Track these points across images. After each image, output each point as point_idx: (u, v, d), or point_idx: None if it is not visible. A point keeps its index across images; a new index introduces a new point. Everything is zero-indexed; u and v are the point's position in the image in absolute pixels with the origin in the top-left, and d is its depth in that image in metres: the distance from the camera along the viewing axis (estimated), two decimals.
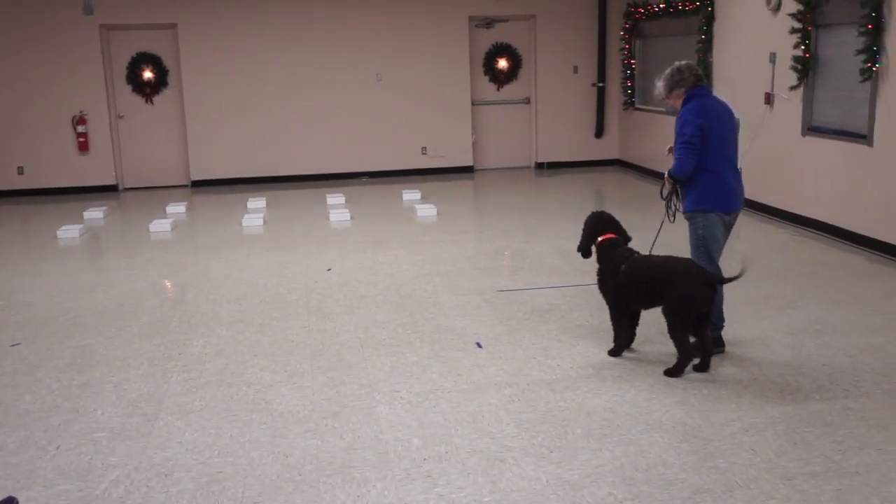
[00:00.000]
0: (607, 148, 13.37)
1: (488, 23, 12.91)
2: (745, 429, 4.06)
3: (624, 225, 5.21)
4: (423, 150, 12.89)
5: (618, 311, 5.03)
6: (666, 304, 4.72)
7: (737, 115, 5.21)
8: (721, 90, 9.48)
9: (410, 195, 10.83)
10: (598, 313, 5.66)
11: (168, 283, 7.28)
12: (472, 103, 13.00)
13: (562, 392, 4.56)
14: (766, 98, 8.84)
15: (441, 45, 12.65)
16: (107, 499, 3.62)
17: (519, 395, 4.54)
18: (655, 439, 3.98)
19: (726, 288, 5.25)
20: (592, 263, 5.18)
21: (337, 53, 12.42)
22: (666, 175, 5.09)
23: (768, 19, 8.73)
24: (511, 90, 13.23)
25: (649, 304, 4.95)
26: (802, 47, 8.18)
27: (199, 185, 12.43)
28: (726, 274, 4.94)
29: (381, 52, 12.51)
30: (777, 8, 8.56)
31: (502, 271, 7.34)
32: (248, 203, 10.68)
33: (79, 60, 11.90)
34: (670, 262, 4.80)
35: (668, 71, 5.08)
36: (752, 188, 8.77)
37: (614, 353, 5.07)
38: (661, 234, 5.36)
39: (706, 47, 9.98)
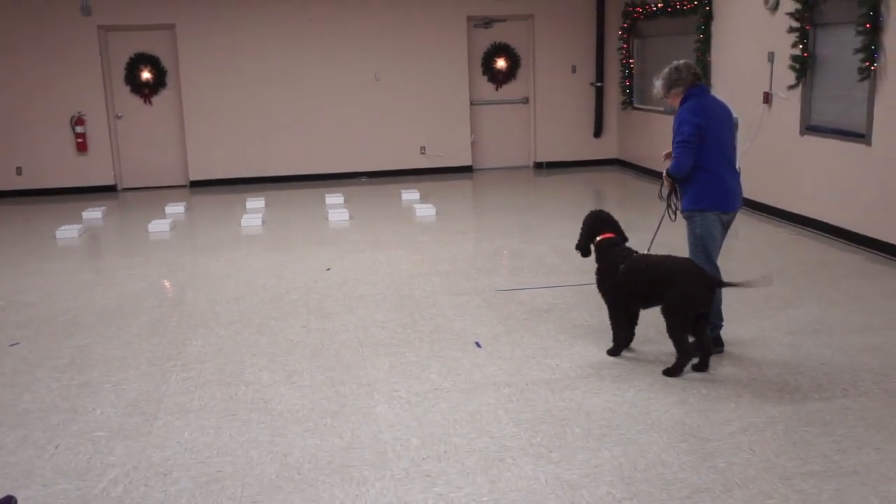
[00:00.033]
0: (606, 147, 13.37)
1: (487, 22, 12.91)
2: (743, 428, 4.06)
3: (623, 224, 5.21)
4: (422, 150, 12.89)
5: (616, 311, 5.03)
6: (665, 303, 4.73)
7: (735, 115, 5.21)
8: (719, 90, 9.48)
9: (409, 195, 10.83)
10: (597, 313, 5.66)
11: (167, 283, 7.28)
12: (471, 103, 13.01)
13: (561, 392, 4.57)
14: (764, 97, 8.85)
15: (440, 44, 12.65)
16: (105, 498, 3.62)
17: (518, 395, 4.54)
18: (654, 439, 3.98)
19: (725, 288, 5.26)
20: (591, 263, 5.18)
21: (335, 53, 12.42)
22: (664, 174, 5.09)
23: (766, 18, 8.74)
24: (510, 90, 13.24)
25: (648, 304, 4.95)
26: (801, 46, 8.18)
27: (197, 185, 12.42)
28: (730, 278, 4.93)
29: (379, 51, 12.51)
30: (775, 7, 8.57)
31: (501, 271, 7.35)
32: (247, 203, 10.68)
33: (77, 61, 11.89)
34: (669, 261, 4.80)
35: (666, 70, 5.08)
36: (751, 188, 8.78)
37: (613, 352, 5.07)
38: (659, 233, 5.36)
39: (704, 47, 9.98)
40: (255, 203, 10.66)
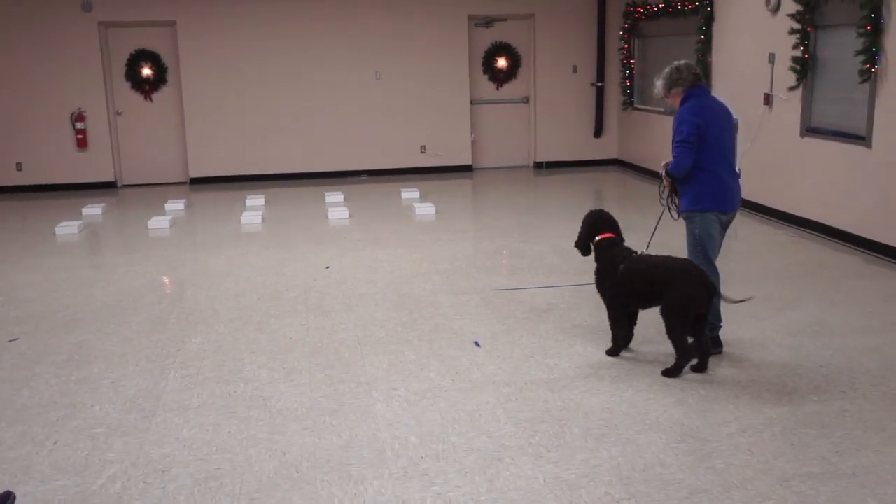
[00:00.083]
0: (606, 147, 13.38)
1: (488, 22, 12.91)
2: (742, 430, 4.07)
3: (622, 224, 5.21)
4: (422, 149, 12.90)
5: (616, 311, 5.04)
6: (664, 304, 4.73)
7: (735, 116, 5.22)
8: (720, 90, 9.48)
9: (409, 194, 10.83)
10: (597, 313, 5.67)
11: (166, 280, 7.28)
12: (471, 102, 13.00)
13: (560, 391, 4.57)
14: (765, 99, 8.85)
15: (440, 43, 12.65)
16: (104, 494, 3.62)
17: (517, 395, 4.54)
18: (653, 439, 3.99)
19: (724, 288, 5.26)
20: (590, 263, 5.18)
21: (336, 52, 12.42)
22: (664, 173, 5.09)
23: (767, 20, 8.74)
24: (510, 89, 13.24)
25: (647, 305, 4.96)
26: (801, 48, 8.19)
27: (197, 182, 12.42)
28: (729, 279, 4.93)
29: (380, 50, 12.51)
30: (776, 8, 8.57)
31: (501, 270, 7.35)
32: (247, 200, 10.68)
33: (78, 57, 11.89)
34: (669, 262, 4.80)
35: (667, 70, 5.09)
36: (751, 189, 8.80)
37: (612, 352, 5.08)
38: (658, 234, 5.36)
39: (705, 47, 9.99)
40: (255, 201, 10.66)
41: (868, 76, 7.23)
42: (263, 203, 10.60)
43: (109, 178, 12.30)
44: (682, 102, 5.03)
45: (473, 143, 13.10)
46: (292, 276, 7.15)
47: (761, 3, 8.80)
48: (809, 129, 8.28)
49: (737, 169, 5.16)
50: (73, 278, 7.28)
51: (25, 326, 5.95)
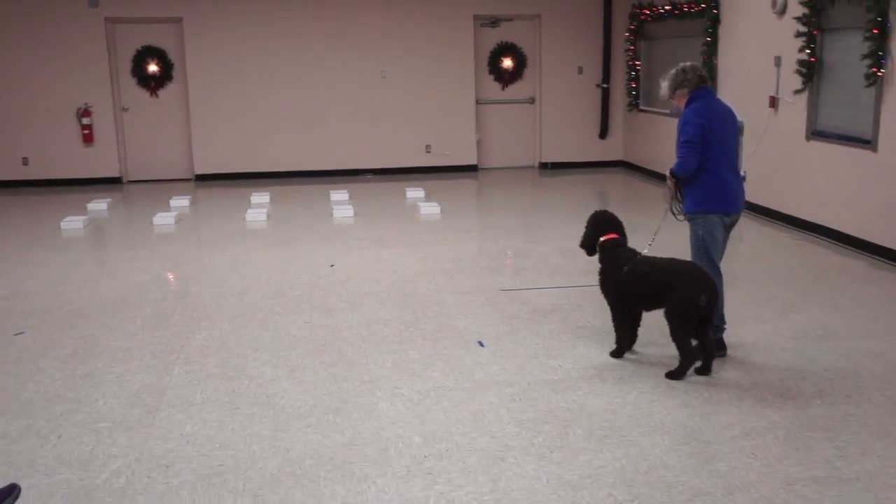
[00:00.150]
0: (611, 149, 13.37)
1: (493, 22, 12.91)
2: (746, 433, 4.06)
3: (627, 226, 5.21)
4: (428, 149, 12.90)
5: (619, 312, 5.03)
6: (668, 306, 4.72)
7: (740, 119, 5.22)
8: (726, 93, 9.47)
9: (414, 193, 10.83)
10: (601, 314, 5.66)
11: (171, 276, 7.29)
12: (477, 102, 13.01)
13: (563, 392, 4.57)
14: (770, 102, 8.84)
15: (446, 43, 12.65)
16: (108, 489, 3.63)
17: (520, 395, 4.54)
18: (656, 441, 3.98)
19: (729, 291, 5.26)
20: (595, 264, 5.18)
21: (342, 50, 12.43)
22: (668, 174, 5.09)
23: (774, 23, 8.73)
24: (515, 90, 13.24)
25: (651, 306, 4.96)
26: (808, 51, 8.18)
27: (202, 178, 12.44)
28: (734, 281, 4.92)
29: (386, 49, 12.52)
30: (783, 11, 8.56)
31: (505, 270, 7.35)
32: (252, 198, 10.69)
33: (84, 53, 11.92)
34: (673, 264, 4.80)
35: (672, 71, 5.09)
36: (756, 192, 8.80)
37: (616, 354, 5.07)
38: (661, 235, 5.35)
39: (711, 50, 9.98)
40: (260, 198, 10.66)
41: (874, 80, 7.22)
42: (268, 200, 10.60)
43: (115, 173, 12.32)
44: (687, 104, 5.03)
45: (478, 143, 13.10)
46: (296, 273, 7.16)
47: (767, 6, 8.79)
48: (815, 133, 8.27)
49: (742, 172, 5.16)
50: (78, 273, 7.29)
51: (30, 320, 5.96)
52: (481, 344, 5.35)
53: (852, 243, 7.67)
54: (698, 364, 4.77)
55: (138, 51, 12.22)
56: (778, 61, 8.69)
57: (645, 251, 5.06)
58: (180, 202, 10.49)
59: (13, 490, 3.44)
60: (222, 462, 3.84)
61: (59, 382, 4.81)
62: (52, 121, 12.00)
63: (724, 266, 5.12)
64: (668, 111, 11.21)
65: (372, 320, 5.86)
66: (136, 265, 7.53)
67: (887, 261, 7.17)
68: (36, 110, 11.93)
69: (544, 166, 13.30)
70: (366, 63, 12.51)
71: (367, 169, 12.78)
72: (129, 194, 11.66)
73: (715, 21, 9.92)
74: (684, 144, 4.89)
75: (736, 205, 5.03)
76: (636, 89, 12.57)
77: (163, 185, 12.09)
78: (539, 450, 3.91)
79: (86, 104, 12.02)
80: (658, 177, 11.24)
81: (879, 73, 7.15)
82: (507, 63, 13.07)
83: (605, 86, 13.06)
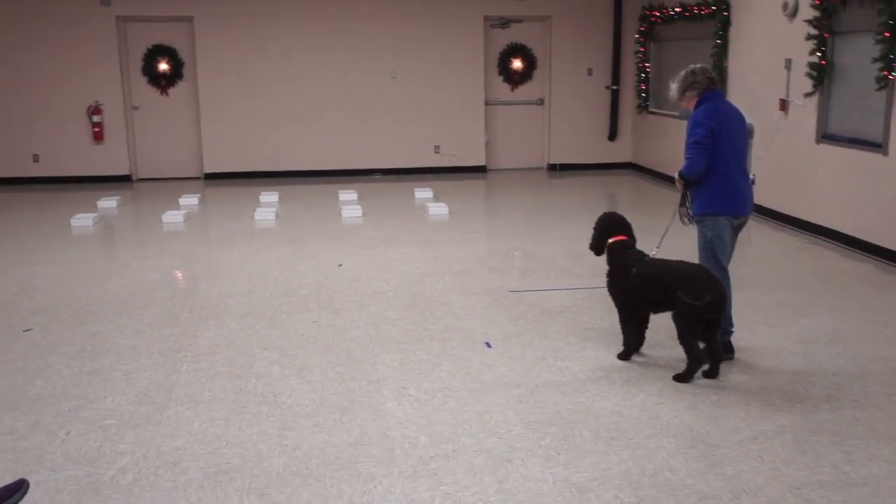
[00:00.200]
0: (620, 151, 13.35)
1: (504, 23, 12.91)
2: (753, 436, 4.05)
3: (635, 229, 5.20)
4: (437, 149, 12.90)
5: (627, 315, 5.03)
6: (676, 309, 4.71)
7: (750, 121, 5.20)
8: (736, 95, 9.45)
9: (423, 194, 10.83)
10: (609, 316, 5.65)
11: (179, 275, 7.31)
12: (486, 103, 13.00)
13: (570, 394, 4.56)
14: (780, 104, 8.81)
15: (456, 44, 12.65)
16: (115, 486, 3.64)
17: (527, 396, 4.54)
18: (663, 444, 3.98)
19: (737, 294, 5.25)
20: (603, 266, 5.17)
21: (352, 50, 12.44)
22: (676, 176, 5.08)
23: (784, 25, 8.71)
24: (525, 91, 13.23)
25: (659, 309, 4.94)
26: (818, 54, 8.15)
27: (212, 177, 12.47)
28: (742, 285, 4.90)
29: (396, 49, 12.53)
30: (793, 14, 8.54)
31: (513, 272, 7.34)
32: (261, 197, 10.71)
33: (95, 51, 11.97)
34: (681, 267, 4.79)
35: (681, 73, 5.09)
36: (766, 195, 8.77)
37: (623, 356, 5.07)
38: (670, 238, 5.34)
39: (721, 52, 9.95)
40: (269, 197, 10.68)
41: (885, 83, 7.19)
42: (277, 200, 10.62)
43: (125, 171, 12.37)
44: (697, 106, 5.03)
45: (487, 144, 13.10)
46: (305, 273, 7.17)
47: (778, 9, 8.76)
48: (825, 136, 8.24)
49: (751, 175, 5.15)
50: (87, 271, 7.32)
51: (39, 317, 5.99)
52: (489, 345, 5.35)
53: (862, 247, 7.64)
54: (706, 367, 4.76)
55: (149, 49, 12.26)
56: (788, 64, 8.66)
57: (653, 253, 5.05)
58: (189, 201, 10.52)
59: (21, 486, 3.45)
60: (229, 460, 3.85)
61: (67, 379, 4.83)
62: (63, 118, 12.05)
63: (733, 270, 5.11)
64: (677, 113, 11.18)
65: (380, 320, 5.87)
66: (145, 263, 7.56)
67: None
68: (47, 108, 11.98)
69: (553, 168, 13.29)
70: (376, 63, 12.52)
71: (375, 169, 12.79)
72: (139, 192, 11.70)
73: (725, 23, 9.89)
74: (693, 146, 4.88)
75: (745, 207, 5.02)
76: (646, 91, 12.55)
77: (172, 184, 12.13)
78: (545, 451, 3.91)
79: (96, 102, 12.06)
80: (667, 179, 11.22)
81: (891, 77, 7.12)
82: (517, 64, 13.07)
83: (614, 87, 13.04)
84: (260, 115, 12.40)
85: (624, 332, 5.06)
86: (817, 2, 8.07)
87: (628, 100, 13.10)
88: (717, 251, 4.97)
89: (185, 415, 4.34)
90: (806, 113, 8.45)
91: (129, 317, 5.98)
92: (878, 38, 7.19)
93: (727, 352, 5.00)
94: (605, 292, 5.21)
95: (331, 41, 12.38)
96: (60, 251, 8.06)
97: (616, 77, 13.00)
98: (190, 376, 4.86)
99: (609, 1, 12.80)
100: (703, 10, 10.42)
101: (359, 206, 9.89)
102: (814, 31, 8.17)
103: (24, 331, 5.70)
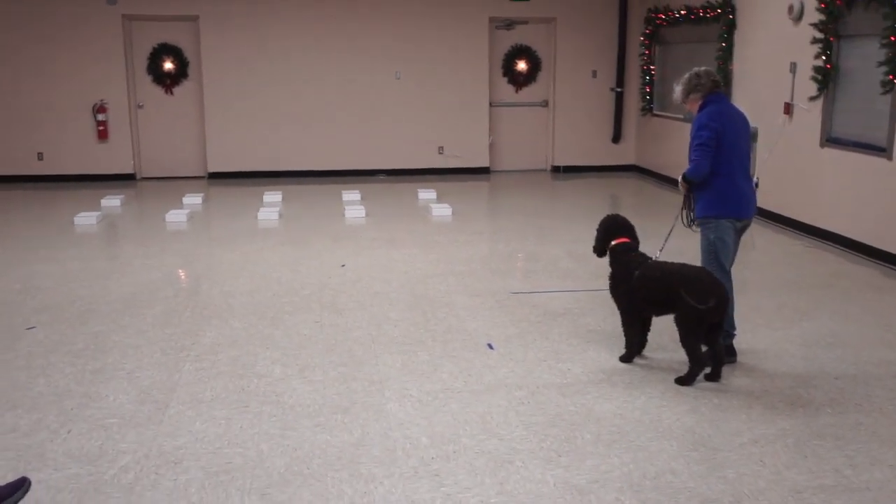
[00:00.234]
0: (624, 153, 13.34)
1: (509, 25, 12.91)
2: (755, 440, 4.05)
3: (638, 231, 5.20)
4: (440, 150, 12.91)
5: (629, 317, 5.02)
6: (678, 312, 4.71)
7: (753, 125, 5.20)
8: (740, 99, 9.45)
9: (426, 194, 10.84)
10: (611, 318, 5.65)
11: (182, 274, 7.32)
12: (490, 104, 13.01)
13: (572, 396, 4.56)
14: (785, 108, 8.80)
15: (461, 45, 12.66)
16: (116, 484, 3.64)
17: (529, 398, 4.54)
18: (664, 447, 3.97)
19: (740, 298, 5.24)
20: (605, 268, 5.17)
21: (357, 51, 12.45)
22: (680, 179, 5.08)
23: (790, 29, 8.70)
24: (529, 92, 13.23)
25: (661, 312, 4.94)
26: (823, 58, 8.14)
27: (215, 176, 12.49)
28: (745, 289, 4.90)
29: (400, 50, 12.53)
30: (799, 17, 8.53)
31: (516, 273, 7.34)
32: (264, 196, 10.72)
33: (101, 49, 11.99)
34: (684, 269, 4.79)
35: (686, 76, 5.09)
36: (769, 199, 8.76)
37: (625, 359, 5.06)
38: (673, 240, 5.33)
39: (726, 55, 9.95)
40: (273, 197, 10.69)
41: (890, 87, 7.17)
42: (280, 199, 10.63)
43: (129, 170, 12.39)
44: (700, 108, 5.03)
45: (491, 145, 13.10)
46: (307, 273, 7.18)
47: (784, 12, 8.75)
48: (830, 140, 8.23)
49: (754, 178, 5.15)
50: (91, 269, 7.33)
51: (42, 315, 6.00)
52: (491, 346, 5.35)
53: (865, 251, 7.63)
54: (708, 370, 4.76)
55: (154, 48, 12.28)
56: (793, 67, 8.65)
57: (656, 256, 5.05)
58: (193, 200, 10.53)
59: (23, 484, 3.46)
60: (230, 460, 3.86)
61: (70, 378, 4.84)
62: (68, 117, 12.08)
63: (736, 273, 5.11)
64: (682, 116, 11.17)
65: (382, 321, 5.87)
66: (148, 262, 7.57)
67: None
68: (52, 106, 12.01)
69: (556, 170, 13.28)
70: (380, 63, 12.53)
71: (379, 169, 12.79)
72: (143, 191, 11.72)
73: (730, 26, 9.88)
74: (698, 148, 4.88)
75: (748, 210, 5.02)
76: (650, 94, 12.54)
77: (176, 183, 12.15)
78: (547, 453, 3.91)
79: (101, 101, 12.09)
80: (671, 182, 11.21)
81: None
82: (522, 66, 13.07)
83: (619, 90, 13.04)
84: (264, 115, 12.42)
85: (626, 335, 5.06)
86: (823, 5, 8.07)
87: (632, 102, 13.09)
88: (719, 254, 4.96)
89: (186, 414, 4.34)
90: (810, 116, 8.44)
91: (132, 316, 5.99)
92: (884, 41, 7.18)
93: (729, 355, 4.99)
94: (607, 294, 5.21)
95: (336, 41, 12.39)
96: (64, 250, 8.07)
97: (620, 79, 13.00)
98: (192, 375, 4.87)
99: (614, 3, 12.80)
100: (708, 13, 10.41)
101: (362, 207, 9.89)
102: (819, 35, 8.16)
103: (27, 329, 5.71)
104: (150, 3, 11.98)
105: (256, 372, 4.92)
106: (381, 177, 12.71)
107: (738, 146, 4.97)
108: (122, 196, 10.70)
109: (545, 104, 13.26)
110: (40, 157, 12.14)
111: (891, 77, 7.12)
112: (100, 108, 12.07)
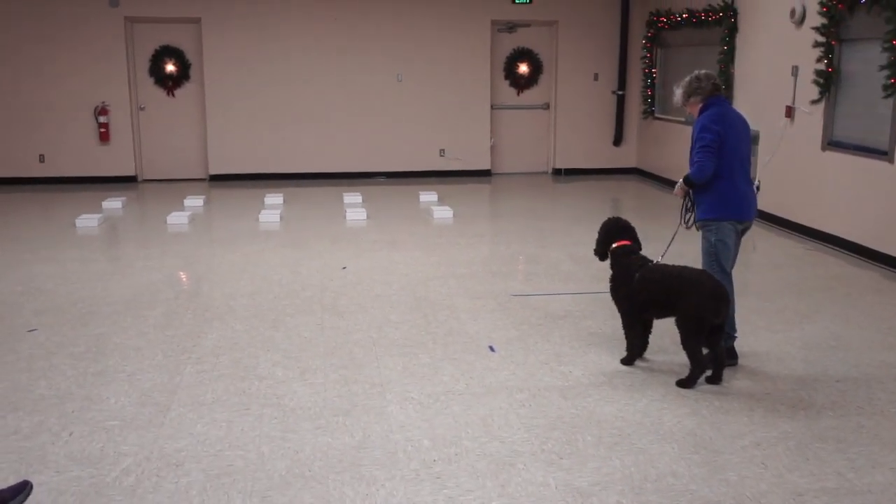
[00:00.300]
0: (625, 156, 13.35)
1: (511, 27, 12.92)
2: (756, 442, 4.05)
3: (639, 234, 5.20)
4: (442, 153, 12.92)
5: (630, 319, 5.02)
6: (679, 314, 4.71)
7: (754, 128, 5.20)
8: (742, 102, 9.45)
9: (427, 197, 10.84)
10: (612, 321, 5.65)
11: (183, 276, 7.32)
12: (492, 107, 13.01)
13: (573, 399, 4.56)
14: (787, 111, 8.80)
15: (463, 47, 12.67)
16: (118, 487, 3.64)
17: (530, 401, 4.53)
18: (666, 449, 3.97)
19: (741, 300, 5.24)
20: (606, 271, 5.17)
21: (358, 53, 12.46)
22: (680, 182, 5.07)
23: (791, 32, 8.70)
24: (531, 95, 13.24)
25: (662, 314, 4.94)
26: (825, 61, 8.14)
27: (217, 179, 12.50)
28: (746, 291, 4.90)
29: (402, 52, 12.54)
30: (801, 21, 8.53)
31: (517, 276, 7.34)
32: (266, 199, 10.73)
33: (103, 51, 12.01)
34: (685, 272, 4.79)
35: (687, 78, 5.10)
36: (771, 202, 8.76)
37: (627, 361, 5.06)
38: (674, 243, 5.34)
39: (728, 58, 9.95)
40: (274, 199, 10.70)
41: (892, 91, 7.17)
42: (282, 202, 10.64)
43: (130, 172, 12.40)
44: (701, 111, 5.03)
45: (493, 148, 13.11)
46: (308, 275, 7.18)
47: (786, 16, 8.76)
48: (831, 143, 8.22)
49: (755, 181, 5.15)
50: (92, 271, 7.33)
51: (44, 318, 6.00)
52: (492, 349, 5.35)
53: (866, 254, 7.63)
54: (709, 373, 4.75)
55: (156, 50, 12.30)
56: (795, 71, 8.65)
57: (657, 260, 5.04)
58: (194, 202, 10.54)
59: (24, 487, 3.46)
60: (232, 462, 3.86)
61: (71, 380, 4.84)
62: (69, 118, 12.09)
63: (737, 275, 5.10)
64: (683, 119, 11.18)
65: (383, 323, 5.87)
66: (150, 264, 7.57)
67: None
68: (53, 108, 12.02)
69: (558, 172, 13.29)
70: (382, 66, 12.54)
71: (380, 172, 12.80)
72: (144, 193, 11.72)
73: (732, 30, 9.89)
74: (701, 150, 4.89)
75: (749, 212, 5.02)
76: (652, 97, 12.54)
77: (177, 185, 12.16)
78: (548, 456, 3.91)
79: (103, 103, 12.10)
80: (672, 185, 11.20)
81: None
82: (523, 69, 13.08)
83: (620, 93, 13.05)
84: (266, 117, 12.43)
85: (627, 337, 5.06)
86: (825, 9, 8.07)
87: (634, 105, 13.10)
88: (720, 256, 4.96)
89: (188, 416, 4.34)
90: (812, 120, 8.44)
91: (134, 318, 6.00)
92: (886, 45, 7.18)
93: (730, 357, 4.99)
94: (608, 297, 5.21)
95: (337, 44, 12.40)
96: (65, 251, 8.07)
97: (622, 82, 13.00)
98: (193, 378, 4.87)
99: (615, 6, 12.81)
100: (710, 17, 10.41)
101: (363, 209, 9.90)
102: (821, 39, 8.16)
103: (28, 331, 5.71)
104: (153, 5, 12.00)
105: (257, 374, 4.92)
106: (382, 179, 12.69)
107: (740, 149, 4.98)
108: (123, 198, 10.71)
109: (546, 107, 13.27)
110: (41, 158, 12.15)
111: (892, 81, 7.12)
112: (101, 110, 12.08)
